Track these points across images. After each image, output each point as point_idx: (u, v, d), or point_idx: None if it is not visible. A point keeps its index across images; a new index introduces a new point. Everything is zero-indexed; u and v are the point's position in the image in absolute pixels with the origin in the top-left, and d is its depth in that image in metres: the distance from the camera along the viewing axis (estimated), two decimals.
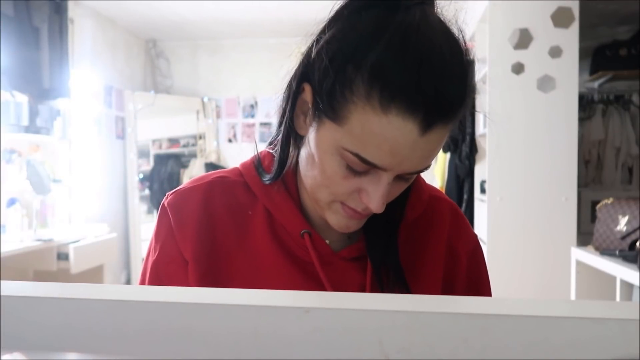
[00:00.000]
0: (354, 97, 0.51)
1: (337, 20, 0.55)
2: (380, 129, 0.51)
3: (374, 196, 0.55)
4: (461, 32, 0.55)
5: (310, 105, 0.57)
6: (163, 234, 0.67)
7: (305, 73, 0.57)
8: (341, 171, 0.56)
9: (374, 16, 0.52)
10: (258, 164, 0.68)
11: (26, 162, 3.45)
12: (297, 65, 0.59)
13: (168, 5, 4.31)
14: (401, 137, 0.51)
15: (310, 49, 0.57)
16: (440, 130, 0.52)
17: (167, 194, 0.68)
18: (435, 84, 0.50)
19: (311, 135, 0.58)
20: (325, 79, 0.54)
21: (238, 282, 0.64)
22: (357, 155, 0.53)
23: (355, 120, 0.52)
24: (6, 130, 3.31)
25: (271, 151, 0.68)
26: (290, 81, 0.59)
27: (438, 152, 0.56)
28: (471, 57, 0.55)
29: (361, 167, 0.54)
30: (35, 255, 3.29)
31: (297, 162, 0.67)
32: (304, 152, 0.61)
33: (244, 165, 0.70)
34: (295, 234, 0.65)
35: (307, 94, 0.57)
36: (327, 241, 0.67)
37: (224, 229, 0.66)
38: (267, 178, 0.66)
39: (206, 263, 0.65)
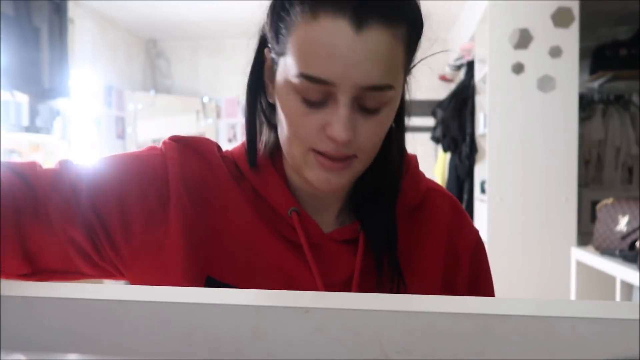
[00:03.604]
0: (291, 21, 0.54)
1: None
2: (314, 36, 0.52)
3: (336, 125, 0.54)
4: None
5: (271, 64, 0.59)
6: (153, 160, 0.64)
7: (262, 40, 0.60)
8: (299, 107, 0.55)
9: None
10: (247, 145, 0.67)
11: None
12: (257, 40, 0.61)
13: (168, 5, 4.31)
14: (334, 37, 0.51)
15: (263, 21, 0.60)
16: (380, 31, 0.52)
17: (168, 136, 0.66)
18: None
19: (276, 91, 0.59)
20: (273, 25, 0.56)
21: (229, 246, 0.62)
22: (303, 75, 0.53)
23: (294, 41, 0.53)
24: (6, 130, 3.31)
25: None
26: (255, 56, 0.61)
27: (395, 66, 0.55)
28: None
29: (313, 91, 0.54)
30: None
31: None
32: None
33: (236, 149, 0.69)
34: (283, 213, 0.63)
35: (267, 57, 0.59)
36: (318, 222, 0.65)
37: (218, 190, 0.64)
38: (251, 164, 0.65)
39: (196, 216, 0.62)
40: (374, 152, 0.60)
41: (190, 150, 0.65)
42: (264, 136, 0.66)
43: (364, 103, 0.55)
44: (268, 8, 0.58)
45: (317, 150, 0.57)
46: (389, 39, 0.53)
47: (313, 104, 0.55)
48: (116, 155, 0.65)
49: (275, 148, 0.65)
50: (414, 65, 0.62)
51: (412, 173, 0.69)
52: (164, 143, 0.66)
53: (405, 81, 0.61)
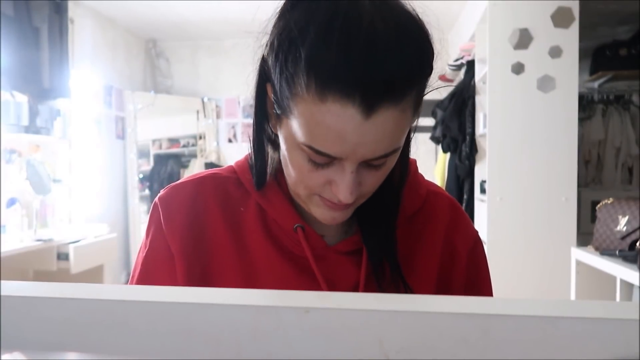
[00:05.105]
0: (297, 90, 0.51)
1: (280, 17, 0.55)
2: (322, 118, 0.50)
3: (341, 187, 0.55)
4: (413, 8, 0.54)
5: (272, 103, 0.58)
6: (153, 229, 0.67)
7: (264, 73, 0.58)
8: (306, 165, 0.55)
9: (306, 6, 0.51)
10: (251, 161, 0.68)
11: (26, 162, 3.45)
12: (257, 66, 0.59)
13: (168, 5, 4.31)
14: (344, 123, 0.50)
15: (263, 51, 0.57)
16: (389, 111, 0.50)
17: (161, 190, 0.70)
18: (366, 63, 0.48)
19: (279, 134, 0.58)
20: (276, 77, 0.54)
21: (229, 278, 0.64)
22: (310, 147, 0.53)
23: (300, 113, 0.52)
24: (6, 130, 3.31)
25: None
26: (256, 83, 0.59)
27: (402, 132, 0.54)
28: (422, 28, 0.53)
29: (319, 158, 0.54)
30: (35, 255, 3.29)
31: None
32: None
33: (238, 163, 0.70)
34: (289, 229, 0.65)
35: (270, 93, 0.57)
36: (322, 235, 0.66)
37: (215, 224, 0.66)
38: (254, 182, 0.66)
39: (194, 257, 0.65)
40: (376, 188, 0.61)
41: (177, 197, 0.67)
42: (268, 156, 0.66)
43: (370, 162, 0.55)
44: (270, 46, 0.55)
45: (326, 199, 0.59)
46: (397, 114, 0.51)
47: (318, 165, 0.55)
48: (137, 267, 0.69)
49: (279, 166, 0.66)
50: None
51: (412, 178, 0.70)
52: (154, 205, 0.68)
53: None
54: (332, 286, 0.64)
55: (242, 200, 0.67)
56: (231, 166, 0.71)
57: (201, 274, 0.65)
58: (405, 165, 0.67)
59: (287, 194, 0.66)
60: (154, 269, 0.66)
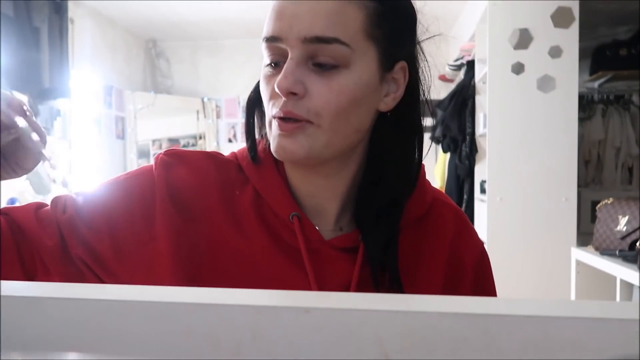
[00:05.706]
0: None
1: None
2: (271, 6, 0.59)
3: (280, 75, 0.56)
4: None
5: None
6: (141, 179, 0.66)
7: None
8: (267, 75, 0.60)
9: None
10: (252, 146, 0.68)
11: None
12: None
13: (168, 5, 4.30)
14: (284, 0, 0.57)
15: None
16: None
17: (164, 150, 0.68)
18: None
19: None
20: None
21: (220, 260, 0.63)
22: (264, 39, 0.58)
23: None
24: None
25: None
26: None
27: (346, 25, 0.56)
28: None
29: (271, 54, 0.58)
30: None
31: None
32: None
33: (240, 149, 0.70)
34: (284, 217, 0.64)
35: None
36: (318, 228, 0.65)
37: (210, 203, 0.64)
38: (251, 153, 0.67)
39: (184, 234, 0.63)
40: (335, 120, 0.58)
41: (180, 165, 0.66)
42: (265, 131, 0.65)
43: (317, 60, 0.57)
44: None
45: (274, 116, 0.59)
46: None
47: (273, 67, 0.59)
48: (106, 183, 0.67)
49: None
50: (411, 50, 0.63)
51: (419, 183, 0.68)
52: (156, 158, 0.67)
53: (386, 66, 0.61)
54: (323, 283, 0.62)
55: (239, 184, 0.66)
56: (233, 152, 0.70)
57: (190, 251, 0.63)
58: (417, 167, 0.66)
59: (284, 176, 0.66)
60: (116, 207, 0.65)
